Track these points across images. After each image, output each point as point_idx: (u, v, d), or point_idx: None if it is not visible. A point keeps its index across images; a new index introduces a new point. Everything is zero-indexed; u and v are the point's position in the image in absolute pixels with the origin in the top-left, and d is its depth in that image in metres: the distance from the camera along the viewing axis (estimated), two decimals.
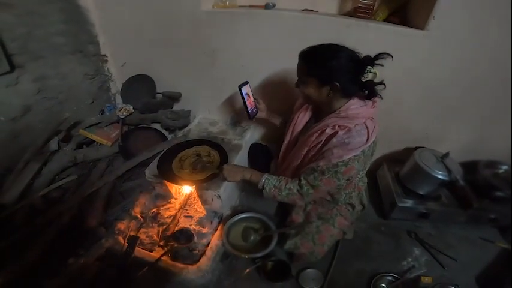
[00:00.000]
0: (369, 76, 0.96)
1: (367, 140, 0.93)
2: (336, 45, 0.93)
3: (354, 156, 0.92)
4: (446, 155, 1.30)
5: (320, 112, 1.10)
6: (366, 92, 0.97)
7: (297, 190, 1.04)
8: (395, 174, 1.49)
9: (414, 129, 1.50)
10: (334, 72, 0.91)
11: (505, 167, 1.39)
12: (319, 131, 1.02)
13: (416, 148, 1.43)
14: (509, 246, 1.35)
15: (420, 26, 1.21)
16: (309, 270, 1.22)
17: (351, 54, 0.91)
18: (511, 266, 1.24)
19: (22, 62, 1.43)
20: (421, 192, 1.36)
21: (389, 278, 1.21)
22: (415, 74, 1.32)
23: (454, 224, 1.43)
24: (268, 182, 1.09)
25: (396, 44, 1.25)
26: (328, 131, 0.99)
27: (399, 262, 1.29)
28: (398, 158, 1.52)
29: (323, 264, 1.25)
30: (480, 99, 1.33)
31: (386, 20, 1.36)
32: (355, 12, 1.37)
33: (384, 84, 0.95)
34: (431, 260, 1.30)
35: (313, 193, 1.04)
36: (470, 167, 1.41)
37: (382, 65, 0.90)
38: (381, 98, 0.98)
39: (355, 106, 0.96)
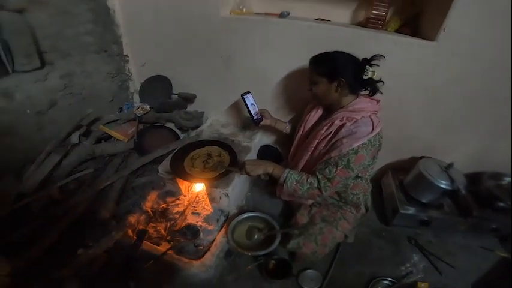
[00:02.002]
0: (369, 74, 1.07)
1: (373, 130, 1.04)
2: (338, 51, 1.12)
3: (362, 144, 1.03)
4: (451, 165, 1.31)
5: (330, 111, 1.20)
6: (369, 89, 1.11)
7: (316, 184, 1.11)
8: (399, 182, 1.50)
9: (421, 139, 1.51)
10: (340, 70, 1.08)
11: (508, 179, 1.40)
12: (329, 124, 1.14)
13: (421, 157, 1.44)
14: (509, 255, 1.35)
15: (431, 37, 1.23)
16: (308, 270, 1.24)
17: (351, 57, 1.10)
18: (508, 274, 1.25)
19: (52, 59, 1.52)
20: (423, 201, 1.38)
21: (386, 282, 1.22)
22: (423, 84, 1.34)
23: (456, 233, 1.44)
24: (291, 176, 1.14)
25: (406, 54, 1.28)
26: (337, 122, 1.11)
27: (397, 267, 1.30)
28: (404, 167, 1.53)
29: (323, 265, 1.27)
30: (488, 111, 1.33)
31: (398, 31, 1.39)
32: (367, 23, 1.40)
33: (382, 82, 1.10)
34: (429, 266, 1.31)
35: (330, 186, 1.10)
36: (475, 178, 1.42)
37: (378, 65, 1.05)
38: (381, 93, 1.13)
39: (361, 102, 1.11)
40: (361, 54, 1.08)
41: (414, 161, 1.46)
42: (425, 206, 1.39)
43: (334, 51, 1.12)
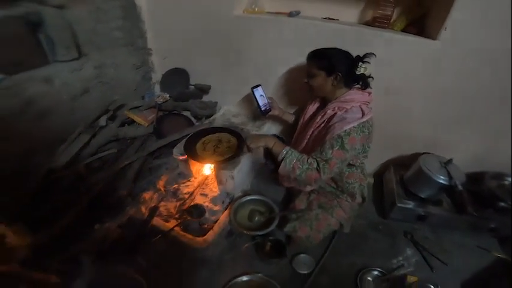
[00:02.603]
0: (361, 70, 1.16)
1: (363, 116, 1.13)
2: (335, 48, 1.22)
3: (353, 127, 1.11)
4: (450, 161, 1.34)
5: (326, 102, 1.29)
6: (361, 83, 1.22)
7: (316, 165, 1.14)
8: (400, 177, 1.54)
9: (423, 136, 1.53)
10: (337, 65, 1.18)
11: (510, 179, 1.40)
12: (322, 113, 1.23)
13: (423, 154, 1.47)
14: (506, 257, 1.34)
15: (433, 36, 1.27)
16: (302, 255, 1.30)
17: (346, 53, 1.20)
18: (503, 275, 1.24)
19: (87, 51, 1.69)
20: (422, 196, 1.41)
21: (376, 272, 1.25)
22: (425, 81, 1.37)
23: (454, 231, 1.44)
24: (291, 154, 1.17)
25: (408, 52, 1.33)
26: (330, 112, 1.22)
27: (390, 260, 1.33)
28: (406, 163, 1.56)
29: (318, 252, 1.33)
30: (489, 110, 1.34)
31: (404, 30, 1.43)
32: (373, 22, 1.45)
33: (372, 77, 1.21)
34: (421, 261, 1.32)
35: (328, 167, 1.13)
36: (478, 178, 1.43)
37: (369, 63, 1.16)
38: (371, 88, 1.23)
39: (352, 94, 1.21)
40: (363, 52, 1.16)
41: (416, 157, 1.48)
42: (423, 201, 1.42)
43: (332, 48, 1.21)
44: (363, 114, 1.14)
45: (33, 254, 1.18)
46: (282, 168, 1.18)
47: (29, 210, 1.34)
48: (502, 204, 1.32)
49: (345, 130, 1.11)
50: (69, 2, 1.55)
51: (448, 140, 1.49)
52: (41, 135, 1.61)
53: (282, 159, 1.17)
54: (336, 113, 1.19)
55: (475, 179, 1.42)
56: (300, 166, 1.15)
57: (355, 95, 1.19)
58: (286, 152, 1.18)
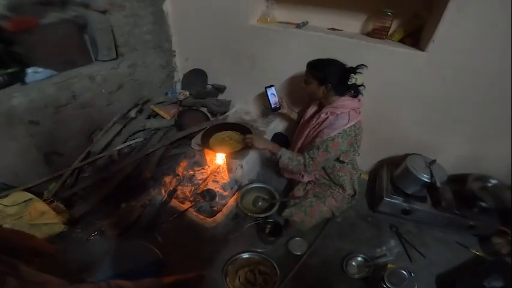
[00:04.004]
0: (352, 81, 1.28)
1: (347, 123, 1.28)
2: (332, 59, 1.34)
3: (338, 133, 1.28)
4: (433, 161, 1.45)
5: (322, 107, 1.45)
6: (353, 92, 1.34)
7: (303, 161, 1.37)
8: (391, 175, 1.66)
9: (414, 139, 1.65)
10: (328, 77, 1.32)
11: (494, 181, 1.48)
12: (317, 116, 1.40)
13: (412, 154, 1.59)
14: (483, 254, 1.42)
15: (422, 47, 1.40)
16: (297, 238, 1.46)
17: (341, 65, 1.32)
18: (475, 272, 1.30)
19: (124, 52, 1.93)
20: (407, 191, 1.52)
21: (360, 258, 1.38)
22: (415, 89, 1.49)
23: (436, 227, 1.54)
24: (285, 153, 1.42)
25: (399, 62, 1.46)
26: (323, 115, 1.38)
27: (374, 248, 1.44)
28: (398, 163, 1.66)
29: (311, 236, 1.48)
30: (476, 117, 1.44)
31: (401, 41, 1.55)
32: (373, 33, 1.59)
33: (364, 86, 1.33)
34: (403, 252, 1.43)
35: (313, 164, 1.36)
36: (463, 179, 1.52)
37: (361, 73, 1.28)
38: (362, 95, 1.36)
39: (343, 100, 1.33)
40: (360, 61, 1.29)
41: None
42: (408, 196, 1.53)
43: (328, 59, 1.34)
44: (349, 120, 1.28)
45: (68, 228, 1.32)
46: (280, 164, 1.45)
47: (67, 188, 1.55)
48: (483, 204, 1.42)
49: (331, 136, 1.29)
50: (111, 7, 1.77)
51: (436, 143, 1.60)
52: (83, 123, 1.86)
53: (279, 158, 1.42)
54: (328, 117, 1.34)
55: (460, 180, 1.51)
56: (291, 163, 1.41)
57: (345, 102, 1.32)
58: (282, 153, 1.42)
